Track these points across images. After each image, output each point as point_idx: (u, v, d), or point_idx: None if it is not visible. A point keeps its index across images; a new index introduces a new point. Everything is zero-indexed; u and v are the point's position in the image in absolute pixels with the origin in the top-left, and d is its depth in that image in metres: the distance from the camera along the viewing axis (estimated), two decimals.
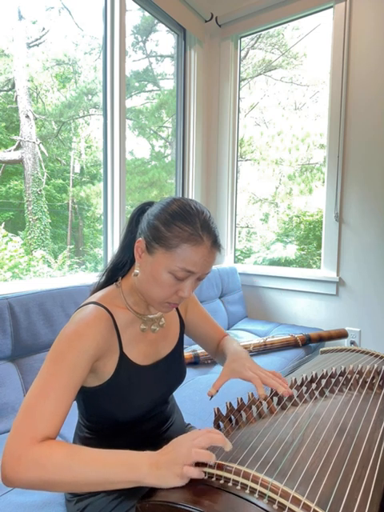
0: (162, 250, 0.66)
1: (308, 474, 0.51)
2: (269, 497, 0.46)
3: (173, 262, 0.66)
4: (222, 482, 0.50)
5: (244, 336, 2.12)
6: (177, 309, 0.90)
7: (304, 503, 0.44)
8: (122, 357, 0.72)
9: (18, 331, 1.25)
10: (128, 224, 0.79)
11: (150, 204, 0.77)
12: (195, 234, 0.65)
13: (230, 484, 0.49)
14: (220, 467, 0.52)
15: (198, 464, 0.52)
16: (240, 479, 0.49)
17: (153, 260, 0.68)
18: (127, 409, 0.72)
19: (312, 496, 0.46)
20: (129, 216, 0.80)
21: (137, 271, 0.72)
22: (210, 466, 0.52)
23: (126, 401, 0.72)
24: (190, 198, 2.65)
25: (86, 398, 0.73)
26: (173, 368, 0.83)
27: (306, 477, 0.50)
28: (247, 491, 0.47)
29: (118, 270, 0.79)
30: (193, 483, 0.51)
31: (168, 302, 0.71)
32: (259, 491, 0.47)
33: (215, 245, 0.69)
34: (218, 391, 0.74)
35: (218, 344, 0.96)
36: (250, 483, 0.48)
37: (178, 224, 0.66)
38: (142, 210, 0.77)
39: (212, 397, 0.73)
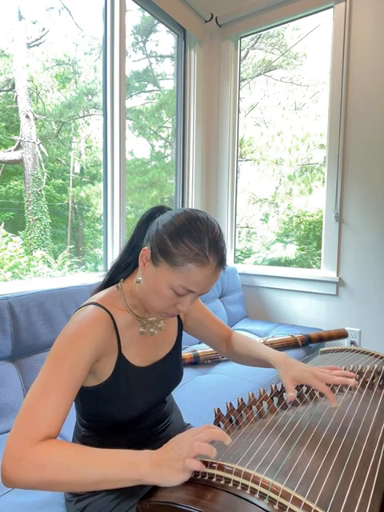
0: (167, 266, 0.65)
1: (309, 474, 0.50)
2: (269, 497, 0.46)
3: (175, 279, 0.65)
4: (222, 482, 0.50)
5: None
6: None
7: (305, 504, 0.44)
8: (121, 358, 0.72)
9: (18, 331, 1.25)
10: (136, 227, 0.78)
11: (161, 210, 0.76)
12: (202, 254, 0.64)
13: (231, 484, 0.49)
14: (220, 467, 0.52)
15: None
16: (241, 479, 0.49)
17: (156, 272, 0.67)
18: (124, 409, 0.72)
19: (313, 496, 0.46)
20: (138, 219, 0.79)
21: (139, 278, 0.72)
22: (212, 466, 0.52)
23: (123, 401, 0.72)
24: (191, 198, 2.65)
25: (84, 397, 0.73)
26: (170, 369, 0.83)
27: (306, 477, 0.50)
28: (248, 492, 0.47)
29: (120, 270, 0.79)
30: (193, 484, 0.51)
31: (166, 312, 0.71)
32: (260, 492, 0.47)
33: (220, 265, 0.68)
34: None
35: (226, 341, 0.94)
36: (250, 484, 0.48)
37: (185, 241, 0.64)
38: (151, 216, 0.77)
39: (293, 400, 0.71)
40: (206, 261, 0.64)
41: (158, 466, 0.51)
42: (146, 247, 0.70)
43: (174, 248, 0.64)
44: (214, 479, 0.51)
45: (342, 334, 2.03)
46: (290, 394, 0.70)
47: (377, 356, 1.06)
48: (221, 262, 0.67)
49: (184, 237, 0.65)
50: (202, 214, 0.69)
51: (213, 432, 0.54)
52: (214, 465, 0.52)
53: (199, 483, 0.51)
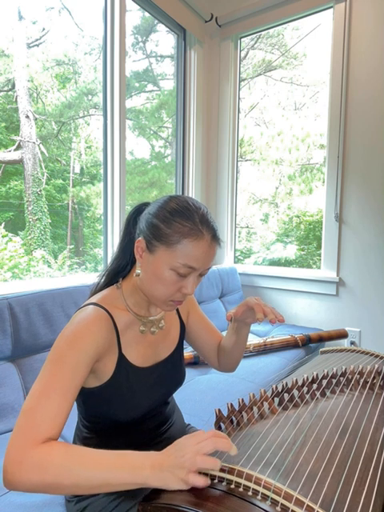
0: (163, 248, 0.66)
1: (311, 475, 0.50)
2: (272, 499, 0.46)
3: (174, 259, 0.66)
4: (224, 483, 0.50)
5: None
6: (178, 312, 0.90)
7: (307, 505, 0.44)
8: (121, 358, 0.72)
9: (18, 331, 1.24)
10: (125, 225, 0.79)
11: (146, 204, 0.77)
12: (195, 228, 0.66)
13: (233, 486, 0.49)
14: (222, 469, 0.51)
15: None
16: (242, 481, 0.48)
17: (154, 258, 0.68)
18: (126, 409, 0.72)
19: (315, 498, 0.46)
20: (126, 218, 0.80)
21: (138, 271, 0.72)
22: (221, 470, 0.51)
23: (124, 402, 0.71)
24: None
25: (86, 398, 0.73)
26: (172, 371, 0.83)
27: (308, 478, 0.49)
28: (250, 493, 0.47)
29: (118, 273, 0.79)
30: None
31: (172, 299, 0.71)
32: (262, 493, 0.46)
33: (215, 239, 0.69)
34: (234, 316, 0.80)
35: (217, 345, 0.95)
36: (252, 485, 0.47)
37: (177, 220, 0.66)
38: (138, 211, 0.78)
39: (231, 319, 0.81)
40: (200, 234, 0.66)
41: (160, 471, 0.50)
42: (139, 238, 0.71)
43: (167, 229, 0.66)
44: (216, 481, 0.51)
45: (342, 334, 2.03)
46: (229, 313, 0.80)
47: (377, 356, 1.06)
48: (214, 235, 0.69)
49: (175, 217, 0.67)
50: (187, 197, 0.72)
51: (218, 442, 0.52)
52: None
53: None
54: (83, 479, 0.51)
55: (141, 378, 0.75)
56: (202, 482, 0.49)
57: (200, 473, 0.51)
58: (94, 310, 0.68)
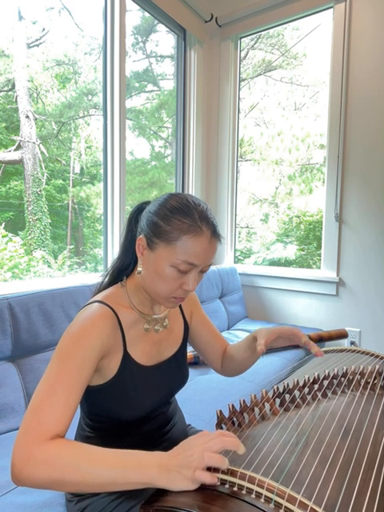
0: (163, 245, 0.67)
1: (314, 477, 0.50)
2: (275, 501, 0.45)
3: (174, 255, 0.66)
4: (226, 486, 0.49)
5: (244, 336, 2.12)
6: (182, 312, 0.90)
7: (311, 508, 0.43)
8: (126, 356, 0.72)
9: (18, 331, 1.24)
10: (127, 224, 0.80)
11: (147, 203, 0.78)
12: (194, 225, 0.66)
13: (235, 488, 0.48)
14: (225, 471, 0.51)
15: (209, 469, 0.51)
16: (245, 483, 0.48)
17: (155, 256, 0.68)
18: (129, 408, 0.72)
19: (319, 500, 0.45)
20: (127, 218, 0.80)
21: (140, 269, 0.72)
22: (223, 472, 0.51)
23: (127, 400, 0.71)
24: None
25: (89, 396, 0.73)
26: (175, 371, 0.83)
27: (311, 480, 0.49)
28: (253, 496, 0.47)
29: (122, 272, 0.79)
30: (197, 488, 0.50)
31: (174, 296, 0.71)
32: (265, 496, 0.46)
33: (215, 235, 0.69)
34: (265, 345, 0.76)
35: (222, 352, 0.95)
36: (255, 488, 0.47)
37: (176, 217, 0.66)
38: (139, 210, 0.78)
39: (263, 353, 0.77)
40: (199, 230, 0.66)
41: (167, 471, 0.50)
42: (140, 236, 0.71)
43: (167, 226, 0.66)
44: (219, 483, 0.50)
45: (342, 335, 2.03)
46: (261, 347, 0.74)
47: (377, 356, 1.06)
48: (214, 231, 0.69)
49: (175, 214, 0.67)
50: (187, 195, 0.72)
51: (225, 441, 0.52)
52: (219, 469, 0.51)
53: (203, 488, 0.50)
54: (90, 476, 0.51)
55: (145, 376, 0.75)
56: (208, 478, 0.49)
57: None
58: (99, 308, 0.69)
